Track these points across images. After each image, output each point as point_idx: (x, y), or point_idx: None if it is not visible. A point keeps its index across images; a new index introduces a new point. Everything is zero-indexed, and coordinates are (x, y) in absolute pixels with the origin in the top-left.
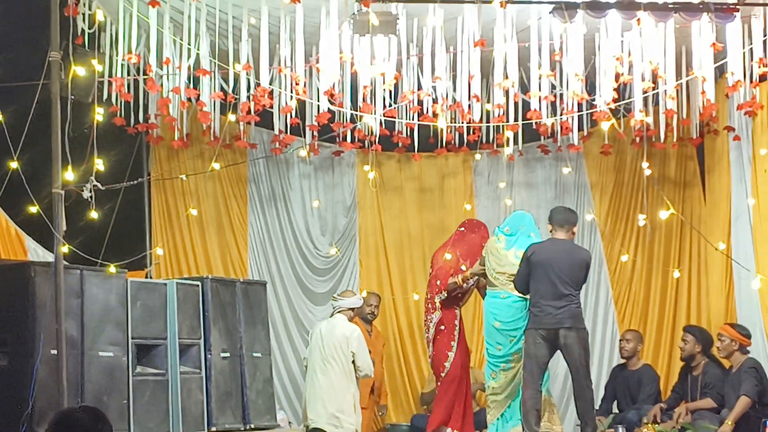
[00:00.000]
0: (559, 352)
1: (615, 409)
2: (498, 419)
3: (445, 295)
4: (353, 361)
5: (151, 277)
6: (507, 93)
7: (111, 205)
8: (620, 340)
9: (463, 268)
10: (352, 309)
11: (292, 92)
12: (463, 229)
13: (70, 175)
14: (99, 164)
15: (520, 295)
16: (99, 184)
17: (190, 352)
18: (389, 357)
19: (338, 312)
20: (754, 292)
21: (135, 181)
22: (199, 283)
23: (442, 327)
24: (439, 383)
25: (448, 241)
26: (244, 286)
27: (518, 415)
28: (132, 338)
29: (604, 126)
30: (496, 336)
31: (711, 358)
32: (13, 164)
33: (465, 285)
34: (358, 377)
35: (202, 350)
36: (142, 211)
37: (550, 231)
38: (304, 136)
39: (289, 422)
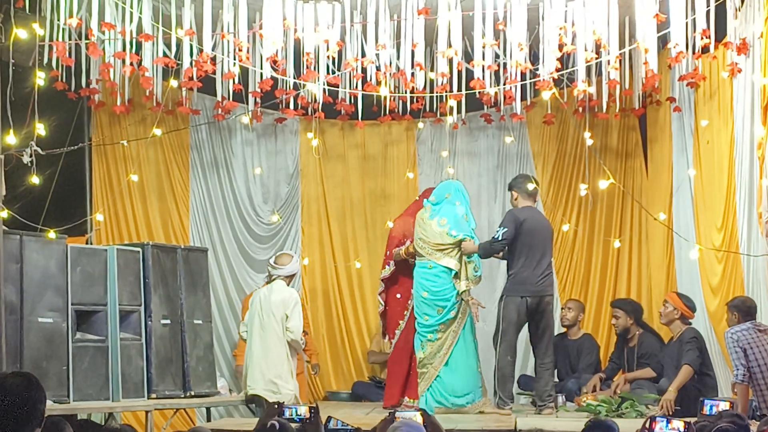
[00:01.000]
0: None
1: (555, 378)
2: (428, 391)
3: (392, 266)
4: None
5: (91, 243)
6: (450, 62)
7: (52, 170)
8: (562, 309)
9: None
10: (291, 276)
11: (235, 58)
12: (417, 198)
13: (10, 139)
14: (40, 129)
15: (446, 264)
16: (39, 149)
17: (131, 318)
18: (330, 326)
19: (278, 278)
20: (694, 262)
21: (76, 147)
22: (139, 249)
23: (398, 295)
24: (391, 350)
25: (407, 209)
26: (185, 253)
27: (460, 395)
28: (72, 304)
29: (545, 95)
30: (423, 306)
31: (645, 328)
32: None
33: (411, 260)
34: (287, 340)
35: (142, 317)
36: (83, 177)
37: (515, 199)
38: (247, 103)
39: (230, 389)
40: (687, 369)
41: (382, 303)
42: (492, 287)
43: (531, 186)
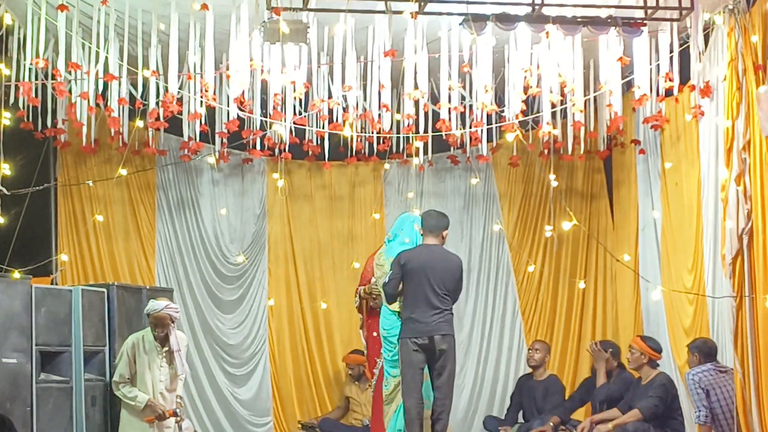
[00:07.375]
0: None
1: (520, 419)
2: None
3: (357, 301)
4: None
5: (56, 284)
6: (417, 103)
7: (17, 210)
8: (529, 350)
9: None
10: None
11: (201, 99)
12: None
13: None
14: (5, 169)
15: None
16: (4, 189)
17: (95, 359)
18: (297, 367)
19: None
20: (659, 304)
21: (41, 187)
22: (104, 289)
23: (375, 333)
24: (372, 391)
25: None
26: (151, 293)
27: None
28: (36, 345)
29: (509, 137)
30: (385, 343)
31: (621, 367)
32: None
33: (371, 300)
34: None
35: (107, 357)
36: (49, 217)
37: (422, 234)
38: (214, 143)
39: (195, 430)
40: (635, 413)
41: (365, 342)
42: (459, 326)
43: (432, 221)
